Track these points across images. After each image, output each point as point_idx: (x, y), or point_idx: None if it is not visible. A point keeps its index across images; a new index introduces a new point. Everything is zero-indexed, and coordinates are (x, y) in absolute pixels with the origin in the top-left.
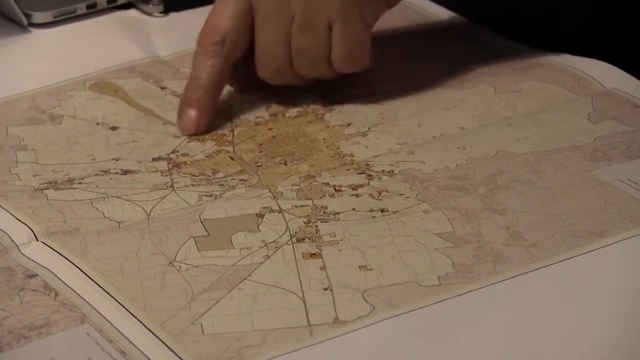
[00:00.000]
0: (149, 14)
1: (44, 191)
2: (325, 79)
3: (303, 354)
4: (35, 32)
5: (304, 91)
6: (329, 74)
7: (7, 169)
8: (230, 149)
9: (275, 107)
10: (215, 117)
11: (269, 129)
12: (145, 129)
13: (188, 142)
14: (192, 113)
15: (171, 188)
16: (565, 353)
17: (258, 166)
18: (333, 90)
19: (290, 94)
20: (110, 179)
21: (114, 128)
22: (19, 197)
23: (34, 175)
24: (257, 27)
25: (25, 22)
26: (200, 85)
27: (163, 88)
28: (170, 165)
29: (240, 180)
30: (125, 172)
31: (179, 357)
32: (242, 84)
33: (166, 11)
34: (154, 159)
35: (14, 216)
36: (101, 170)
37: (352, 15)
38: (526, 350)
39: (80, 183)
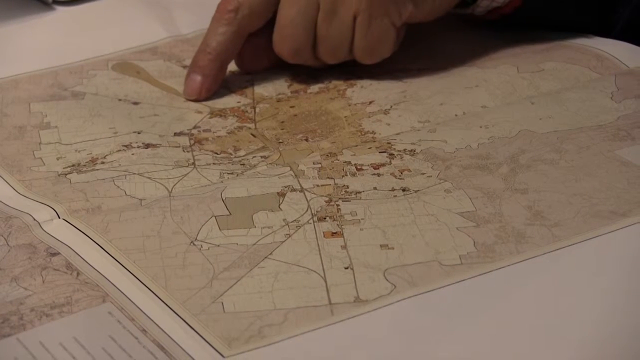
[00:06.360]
0: None
1: (68, 175)
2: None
3: (324, 332)
4: (60, 9)
5: (324, 69)
6: (349, 59)
7: (31, 152)
8: (251, 125)
9: (297, 83)
10: (219, 86)
11: (291, 107)
12: (167, 104)
13: (210, 117)
14: (197, 78)
15: (192, 166)
16: (587, 333)
17: (279, 142)
18: (354, 66)
19: (311, 70)
20: (132, 154)
21: (136, 103)
22: (42, 184)
23: (57, 158)
24: (282, 2)
25: None
26: (208, 52)
27: (185, 67)
28: (192, 141)
29: (261, 157)
30: (147, 146)
31: (200, 335)
32: (250, 61)
33: None
34: (175, 134)
35: (37, 201)
36: (123, 145)
37: (377, 11)
38: (548, 330)
39: (102, 163)
